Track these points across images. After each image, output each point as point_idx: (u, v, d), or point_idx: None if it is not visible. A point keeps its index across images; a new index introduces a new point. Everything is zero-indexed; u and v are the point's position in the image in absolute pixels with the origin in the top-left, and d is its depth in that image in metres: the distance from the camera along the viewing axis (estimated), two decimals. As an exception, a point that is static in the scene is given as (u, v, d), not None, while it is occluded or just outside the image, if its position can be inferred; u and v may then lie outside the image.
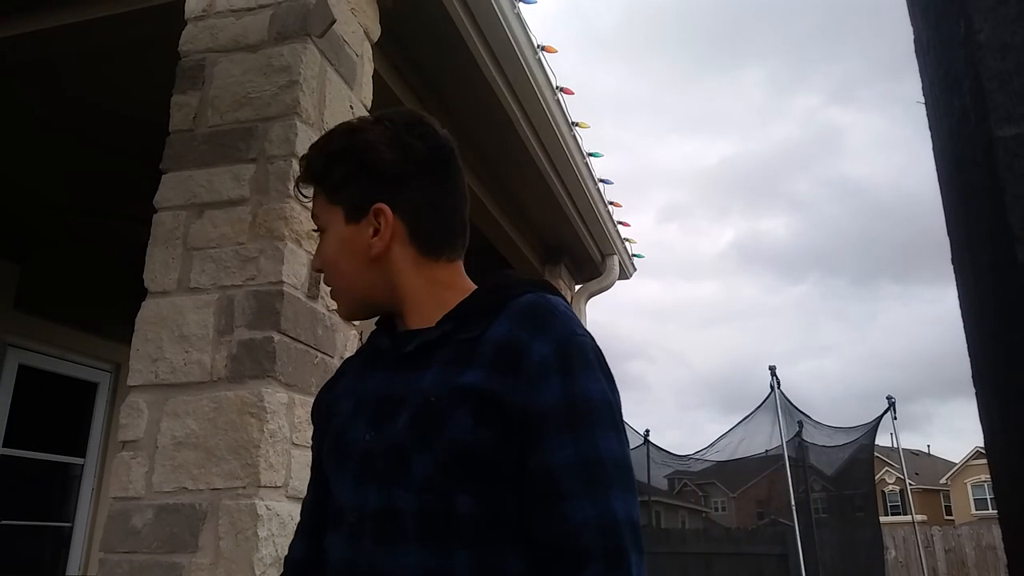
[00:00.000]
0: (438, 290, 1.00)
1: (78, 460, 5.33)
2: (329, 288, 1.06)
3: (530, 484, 0.83)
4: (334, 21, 2.39)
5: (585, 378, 0.86)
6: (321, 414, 1.08)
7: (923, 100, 0.65)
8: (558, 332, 0.88)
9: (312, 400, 1.95)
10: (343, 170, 1.01)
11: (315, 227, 1.06)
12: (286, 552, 1.09)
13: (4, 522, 4.80)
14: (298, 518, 1.11)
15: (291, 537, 1.10)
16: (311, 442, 1.13)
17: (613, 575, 0.79)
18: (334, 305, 2.40)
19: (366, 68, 2.75)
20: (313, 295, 2.29)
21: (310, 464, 1.14)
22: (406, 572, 0.83)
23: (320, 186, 1.03)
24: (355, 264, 1.01)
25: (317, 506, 1.05)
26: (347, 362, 1.13)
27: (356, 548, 0.87)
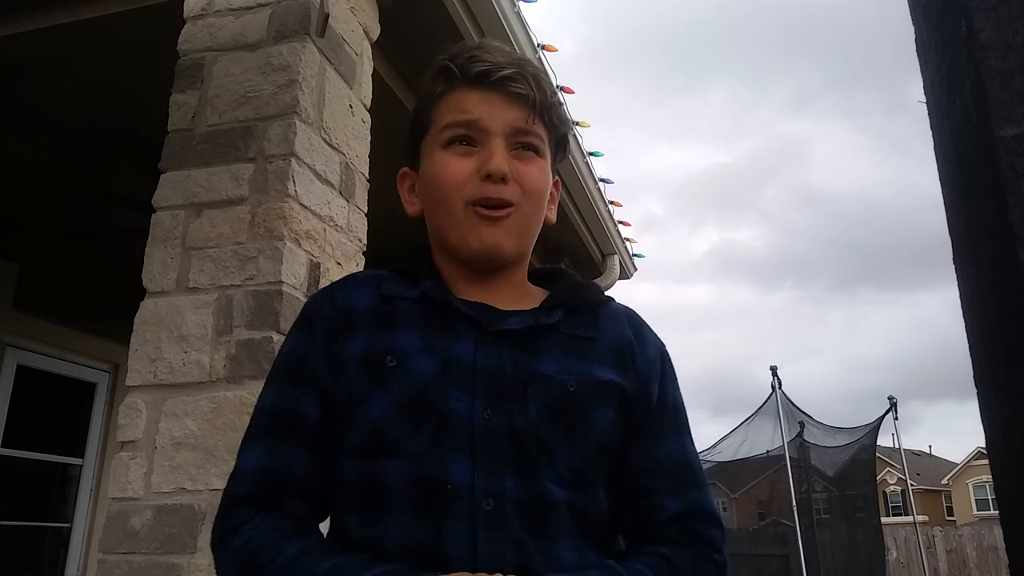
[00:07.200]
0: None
1: (76, 460, 5.32)
2: (507, 216, 0.88)
3: (640, 471, 0.87)
4: (328, 16, 2.39)
5: (677, 387, 0.95)
6: (336, 332, 0.86)
7: (924, 100, 0.65)
8: (656, 340, 0.95)
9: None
10: (560, 111, 0.94)
11: (526, 142, 0.90)
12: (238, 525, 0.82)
13: (3, 523, 4.80)
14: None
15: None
16: (294, 363, 0.87)
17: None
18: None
19: (365, 67, 2.74)
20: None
21: (280, 402, 0.86)
22: (561, 568, 0.78)
23: (545, 109, 0.91)
24: (543, 205, 0.93)
25: (310, 469, 0.84)
26: (364, 287, 0.91)
27: (497, 537, 0.77)
